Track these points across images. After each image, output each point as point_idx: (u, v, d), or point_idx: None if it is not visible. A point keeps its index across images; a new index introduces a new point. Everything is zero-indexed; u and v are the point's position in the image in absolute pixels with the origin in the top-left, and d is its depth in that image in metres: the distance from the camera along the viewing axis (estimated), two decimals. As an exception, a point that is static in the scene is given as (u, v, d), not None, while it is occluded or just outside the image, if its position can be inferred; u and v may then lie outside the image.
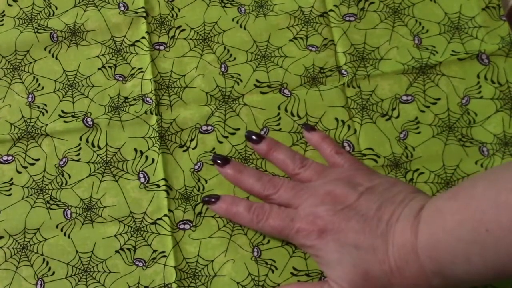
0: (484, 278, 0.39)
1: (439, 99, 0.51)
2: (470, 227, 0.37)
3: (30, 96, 0.51)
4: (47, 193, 0.48)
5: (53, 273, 0.46)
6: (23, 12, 0.53)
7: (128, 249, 0.47)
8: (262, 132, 0.50)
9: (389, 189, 0.44)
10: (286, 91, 0.51)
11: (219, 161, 0.49)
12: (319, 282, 0.45)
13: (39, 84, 0.51)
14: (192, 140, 0.50)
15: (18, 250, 0.47)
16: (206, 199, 0.48)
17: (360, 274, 0.41)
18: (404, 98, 0.51)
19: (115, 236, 0.47)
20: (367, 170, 0.47)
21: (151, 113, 0.50)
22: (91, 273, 0.46)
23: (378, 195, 0.44)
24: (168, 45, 0.52)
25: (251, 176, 0.48)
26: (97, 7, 0.53)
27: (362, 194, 0.44)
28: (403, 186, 0.45)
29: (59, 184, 0.48)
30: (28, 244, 0.47)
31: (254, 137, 0.49)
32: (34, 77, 0.51)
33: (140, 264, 0.47)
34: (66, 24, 0.53)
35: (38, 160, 0.49)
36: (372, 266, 0.41)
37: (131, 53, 0.52)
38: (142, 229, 0.47)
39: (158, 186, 0.48)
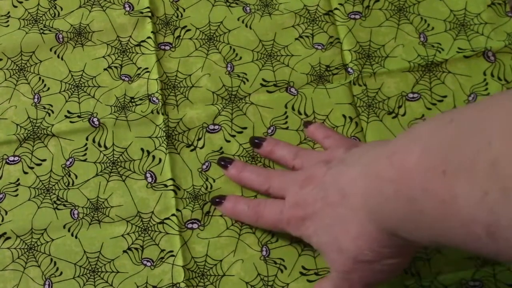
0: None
1: (445, 96, 0.51)
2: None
3: (36, 97, 0.51)
4: (54, 194, 0.48)
5: (61, 273, 0.46)
6: (28, 13, 0.53)
7: (136, 248, 0.47)
8: (270, 131, 0.50)
9: (361, 155, 0.40)
10: (292, 90, 0.51)
11: (222, 163, 0.48)
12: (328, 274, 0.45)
13: (45, 85, 0.51)
14: (199, 139, 0.50)
15: (26, 250, 0.46)
16: (217, 200, 0.47)
17: (336, 251, 0.40)
18: (411, 95, 0.51)
19: (122, 236, 0.47)
20: (350, 147, 0.44)
21: (158, 112, 0.50)
22: (99, 273, 0.46)
23: (345, 164, 0.41)
24: (173, 45, 0.52)
25: (251, 173, 0.47)
26: (103, 7, 0.53)
27: (330, 168, 0.41)
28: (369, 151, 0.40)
29: (66, 184, 0.48)
30: (36, 245, 0.47)
31: (256, 141, 0.49)
32: (39, 78, 0.51)
33: (148, 263, 0.46)
34: (71, 25, 0.53)
35: (44, 160, 0.49)
36: (344, 240, 0.39)
37: (137, 53, 0.52)
38: (150, 228, 0.47)
39: (166, 186, 0.48)
